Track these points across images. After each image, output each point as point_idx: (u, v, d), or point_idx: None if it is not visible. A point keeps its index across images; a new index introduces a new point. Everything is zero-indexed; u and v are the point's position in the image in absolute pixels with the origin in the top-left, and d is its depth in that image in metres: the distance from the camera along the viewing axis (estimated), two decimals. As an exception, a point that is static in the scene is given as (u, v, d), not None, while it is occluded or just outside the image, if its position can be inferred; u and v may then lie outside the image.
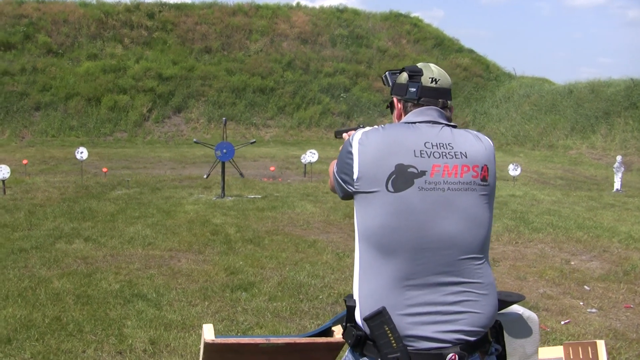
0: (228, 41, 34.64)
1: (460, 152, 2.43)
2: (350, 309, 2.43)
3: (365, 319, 2.30)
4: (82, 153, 15.41)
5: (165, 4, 35.65)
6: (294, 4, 39.14)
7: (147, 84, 30.54)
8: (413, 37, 38.86)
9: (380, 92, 32.68)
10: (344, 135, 3.05)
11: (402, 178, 2.33)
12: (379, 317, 2.27)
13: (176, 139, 28.34)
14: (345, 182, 2.46)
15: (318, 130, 31.25)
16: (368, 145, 2.39)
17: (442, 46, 39.03)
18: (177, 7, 35.71)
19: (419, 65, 2.62)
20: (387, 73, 2.75)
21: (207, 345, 2.98)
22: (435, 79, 2.56)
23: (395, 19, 40.36)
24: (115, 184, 15.05)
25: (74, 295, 6.62)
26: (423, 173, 2.34)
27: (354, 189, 2.40)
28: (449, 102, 2.59)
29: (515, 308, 2.98)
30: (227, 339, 3.05)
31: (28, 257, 8.20)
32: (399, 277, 2.30)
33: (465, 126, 23.36)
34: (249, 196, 13.83)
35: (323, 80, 33.75)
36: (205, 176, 15.29)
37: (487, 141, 2.53)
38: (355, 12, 39.57)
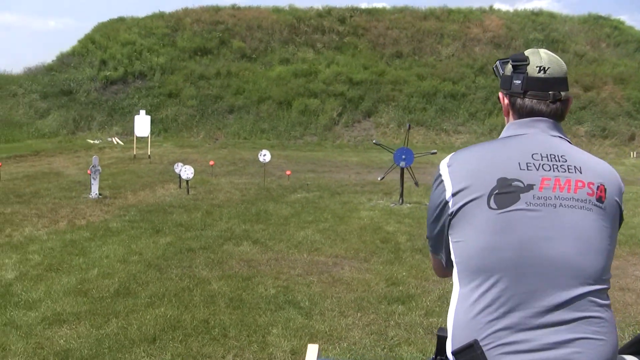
0: (419, 46, 34.40)
1: (575, 166, 2.08)
2: (442, 340, 2.14)
3: (455, 353, 1.99)
4: (265, 156, 15.71)
5: (356, 9, 36.00)
6: (487, 7, 38.33)
7: (338, 88, 30.90)
8: (613, 40, 36.79)
9: (576, 98, 31.07)
10: None
11: (506, 193, 2.00)
12: (470, 352, 1.95)
13: (365, 144, 28.41)
14: (440, 218, 2.16)
15: (510, 137, 30.14)
16: (460, 162, 2.11)
17: (646, 50, 36.73)
18: (369, 11, 35.96)
19: (527, 52, 2.25)
20: (498, 62, 2.39)
21: (308, 368, 2.81)
22: (544, 68, 2.18)
23: (595, 22, 38.41)
24: (297, 187, 15.22)
25: (228, 298, 6.66)
26: (530, 187, 2.02)
27: (450, 213, 2.09)
28: (562, 93, 2.22)
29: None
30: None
31: (194, 257, 8.39)
32: (499, 305, 1.95)
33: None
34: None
35: (516, 85, 32.21)
36: (379, 178, 15.12)
37: (608, 165, 2.16)
38: (551, 15, 38.11)
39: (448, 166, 2.13)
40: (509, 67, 2.26)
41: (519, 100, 2.22)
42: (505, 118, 2.33)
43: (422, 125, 29.46)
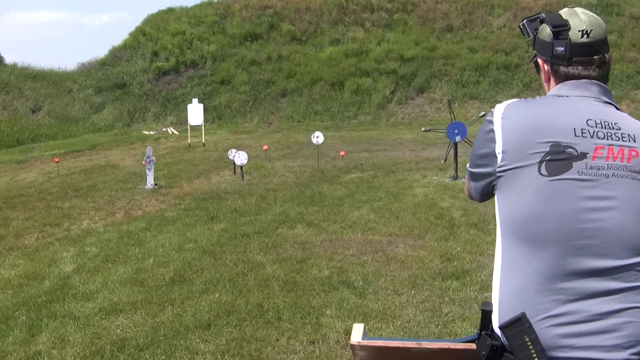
0: (470, 18, 33.82)
1: (629, 135, 2.00)
2: (487, 314, 2.06)
3: (502, 327, 1.92)
4: (317, 137, 15.64)
5: (404, -15, 35.58)
6: (539, -27, 37.49)
7: (389, 65, 30.62)
8: (671, 0, 35.74)
9: (634, 62, 30.25)
10: None
11: (558, 160, 1.93)
12: (517, 325, 1.88)
13: (420, 120, 28.12)
14: (485, 167, 2.10)
15: (567, 105, 29.60)
16: (514, 117, 2.02)
17: None
18: (417, -13, 35.49)
19: (563, 13, 2.14)
20: (524, 21, 2.28)
21: (354, 347, 2.76)
22: (587, 31, 2.08)
23: (651, -18, 37.35)
24: (351, 167, 15.14)
25: (282, 281, 6.68)
26: (584, 155, 1.94)
27: (497, 170, 2.02)
28: (606, 55, 2.12)
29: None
30: (375, 341, 2.80)
31: (249, 242, 8.43)
32: (547, 276, 1.90)
33: None
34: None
35: (571, 52, 31.60)
36: (442, 161, 14.94)
37: None
38: (605, -22, 37.16)
39: (502, 118, 2.05)
40: (547, 31, 2.15)
41: (562, 68, 2.13)
42: (545, 85, 2.25)
43: (476, 99, 29.05)
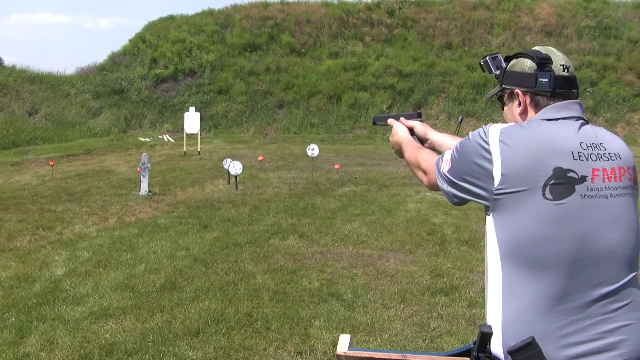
0: (469, 36, 33.98)
1: (615, 153, 2.09)
2: (485, 337, 2.08)
3: (511, 352, 1.96)
4: (313, 150, 15.69)
5: (405, 1, 35.68)
6: (538, -5, 37.68)
7: (387, 80, 30.73)
8: (669, 26, 35.91)
9: (630, 85, 30.39)
10: (390, 121, 2.75)
11: (562, 184, 1.99)
12: (528, 350, 1.92)
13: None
14: (473, 185, 2.13)
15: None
16: (514, 145, 2.05)
17: None
18: (417, 3, 35.58)
19: (541, 50, 2.24)
20: (487, 58, 2.38)
21: (340, 357, 2.80)
22: (566, 66, 2.19)
23: (649, 7, 37.52)
24: (345, 181, 15.19)
25: (272, 291, 6.71)
26: (584, 179, 2.02)
27: (493, 194, 2.06)
28: (577, 91, 2.23)
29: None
30: (361, 352, 2.84)
31: (240, 251, 8.46)
32: (552, 298, 1.96)
33: None
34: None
35: (569, 74, 31.72)
36: None
37: (622, 141, 2.17)
38: (604, 2, 37.11)
39: (500, 141, 2.08)
40: (529, 64, 2.23)
41: (545, 100, 2.21)
42: (518, 117, 2.29)
43: (472, 117, 29.14)
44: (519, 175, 2.02)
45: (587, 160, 2.04)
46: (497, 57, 2.37)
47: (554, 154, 2.03)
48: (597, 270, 1.98)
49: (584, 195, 2.00)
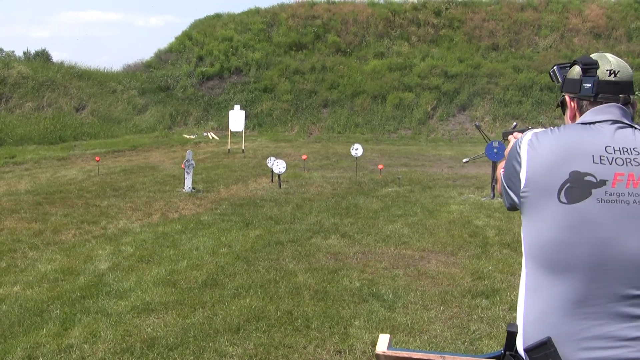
0: (516, 37, 33.66)
1: None
2: (512, 335, 2.13)
3: (527, 350, 1.98)
4: (357, 150, 15.66)
5: (452, 2, 35.49)
6: (588, -4, 37.20)
7: (433, 81, 30.60)
8: None
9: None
10: (510, 137, 2.72)
11: (577, 188, 1.99)
12: (543, 349, 1.95)
13: (460, 137, 28.06)
14: (511, 189, 2.18)
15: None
16: (539, 148, 2.08)
17: None
18: (464, 4, 35.37)
19: (593, 56, 2.22)
20: (555, 67, 2.38)
21: (379, 357, 2.81)
22: (614, 71, 2.16)
23: None
24: (389, 181, 15.15)
25: (313, 290, 6.72)
26: (603, 183, 1.99)
27: (520, 198, 2.10)
28: (631, 97, 2.18)
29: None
30: (399, 352, 2.84)
31: (282, 249, 8.49)
32: (572, 301, 1.96)
33: None
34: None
35: (615, 76, 31.18)
36: (464, 160, 14.83)
37: None
38: (657, 2, 36.71)
39: (528, 146, 2.12)
40: (577, 70, 2.23)
41: (587, 104, 2.21)
42: (570, 122, 2.30)
43: (518, 118, 28.84)
44: (539, 179, 2.05)
45: (611, 164, 2.02)
46: (565, 67, 2.36)
47: (573, 157, 2.03)
48: (621, 276, 1.96)
49: (601, 200, 1.99)
